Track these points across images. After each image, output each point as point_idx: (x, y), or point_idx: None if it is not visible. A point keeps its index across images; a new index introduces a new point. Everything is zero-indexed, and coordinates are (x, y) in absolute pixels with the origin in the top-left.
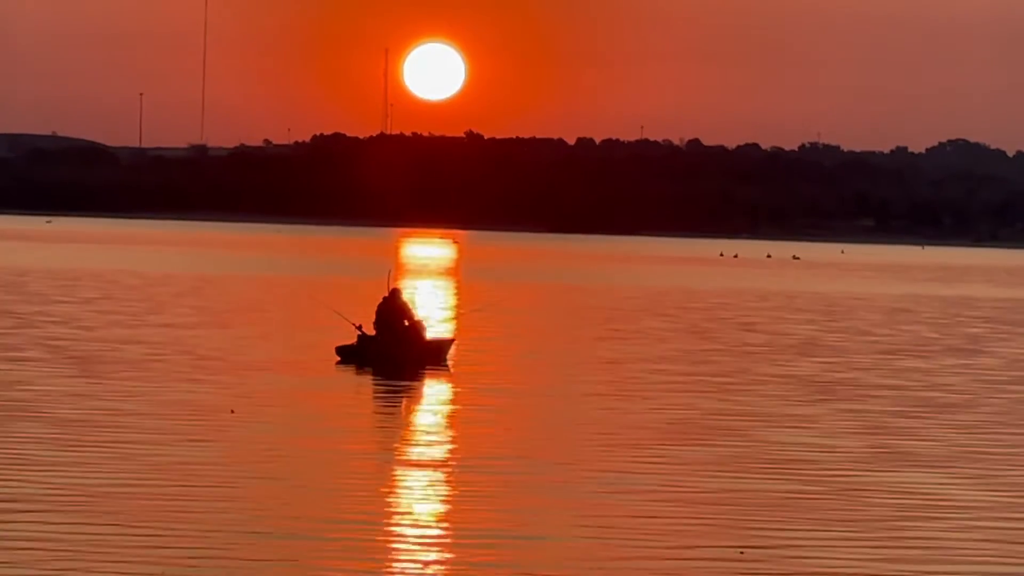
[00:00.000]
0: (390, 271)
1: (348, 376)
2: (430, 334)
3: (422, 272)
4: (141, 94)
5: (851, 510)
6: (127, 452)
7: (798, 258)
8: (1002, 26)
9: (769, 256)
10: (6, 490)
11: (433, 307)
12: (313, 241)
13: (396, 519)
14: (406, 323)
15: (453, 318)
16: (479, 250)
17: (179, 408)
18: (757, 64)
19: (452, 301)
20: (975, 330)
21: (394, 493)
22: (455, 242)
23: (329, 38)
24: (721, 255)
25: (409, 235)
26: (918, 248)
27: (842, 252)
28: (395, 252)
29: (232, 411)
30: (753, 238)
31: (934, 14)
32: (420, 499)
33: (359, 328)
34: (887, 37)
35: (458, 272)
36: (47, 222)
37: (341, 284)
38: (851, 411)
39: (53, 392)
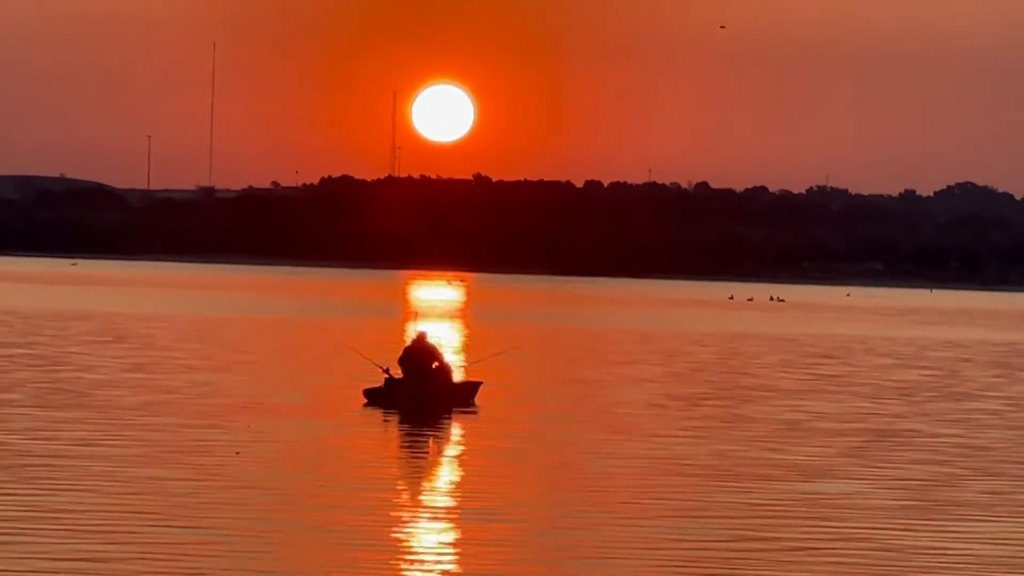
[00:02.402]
0: (417, 314)
1: (375, 418)
2: (457, 377)
3: (432, 315)
4: (149, 136)
5: (885, 564)
6: (135, 500)
7: (782, 300)
8: (1010, 70)
9: (772, 298)
10: (21, 542)
11: (455, 350)
12: (321, 283)
13: (408, 566)
14: (435, 365)
15: (477, 361)
16: (488, 293)
17: (196, 453)
18: (765, 107)
19: (473, 344)
20: (992, 374)
21: (411, 538)
22: (457, 281)
23: (337, 80)
24: (731, 298)
25: (417, 277)
26: (926, 291)
27: (847, 295)
28: (403, 294)
29: (237, 453)
30: (761, 281)
31: (942, 58)
32: (436, 546)
33: (386, 371)
34: (895, 81)
35: (467, 315)
36: (72, 264)
37: (353, 326)
38: (884, 458)
39: (63, 436)
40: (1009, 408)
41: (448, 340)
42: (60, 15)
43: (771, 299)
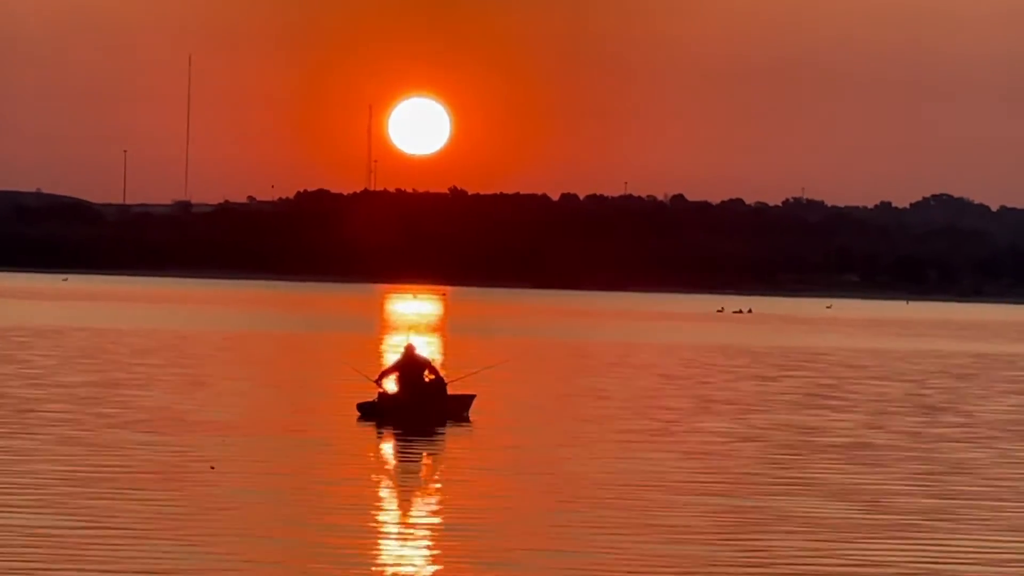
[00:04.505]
0: (409, 328)
1: (368, 433)
2: (450, 390)
3: (410, 329)
4: (125, 151)
5: None
6: (106, 519)
7: (750, 310)
8: (985, 82)
9: (751, 311)
10: None
11: (439, 364)
12: (298, 297)
13: None
14: (428, 376)
15: (468, 375)
16: (465, 306)
17: (172, 471)
18: (741, 120)
19: (456, 358)
20: (968, 386)
21: (399, 557)
22: (435, 295)
23: (313, 94)
24: (720, 311)
25: (394, 291)
26: (902, 303)
27: (828, 307)
28: (380, 308)
29: (212, 467)
30: (737, 293)
31: (918, 71)
32: (422, 563)
33: (379, 384)
34: (870, 93)
35: (445, 329)
36: (63, 280)
37: (333, 340)
38: (860, 472)
39: (40, 449)
40: (985, 421)
41: (431, 354)
42: (35, 31)
43: (749, 310)
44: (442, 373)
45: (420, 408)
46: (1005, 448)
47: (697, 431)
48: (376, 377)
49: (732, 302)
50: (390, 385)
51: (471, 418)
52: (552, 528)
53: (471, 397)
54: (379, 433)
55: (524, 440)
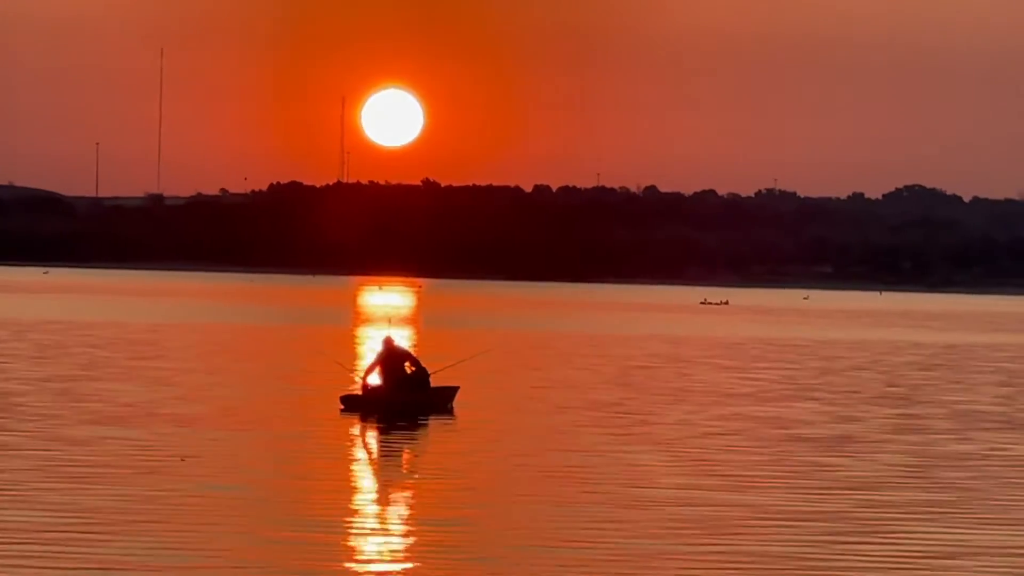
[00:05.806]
0: (390, 319)
1: (351, 425)
2: (432, 381)
3: (388, 321)
4: (97, 144)
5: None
6: (78, 513)
7: (726, 302)
8: (958, 72)
9: (727, 302)
10: None
11: (422, 356)
12: (271, 290)
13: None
14: (409, 368)
15: (449, 366)
16: (439, 298)
17: (147, 465)
18: (713, 110)
19: (434, 350)
20: (938, 377)
21: (381, 550)
22: (381, 288)
23: (285, 86)
24: (703, 302)
25: (367, 283)
26: (875, 294)
27: (805, 298)
28: (353, 300)
29: (182, 459)
30: (711, 285)
31: (890, 61)
32: (402, 558)
33: (363, 377)
34: (842, 83)
35: (419, 321)
36: (44, 272)
37: (308, 333)
38: (830, 465)
39: (11, 443)
40: (963, 412)
41: (409, 346)
42: (5, 22)
43: (726, 301)
44: (423, 364)
45: (404, 400)
46: (986, 439)
47: (677, 423)
48: (363, 376)
49: (707, 294)
50: (373, 378)
51: (454, 410)
52: (536, 522)
53: (455, 389)
54: (362, 425)
55: (507, 432)
